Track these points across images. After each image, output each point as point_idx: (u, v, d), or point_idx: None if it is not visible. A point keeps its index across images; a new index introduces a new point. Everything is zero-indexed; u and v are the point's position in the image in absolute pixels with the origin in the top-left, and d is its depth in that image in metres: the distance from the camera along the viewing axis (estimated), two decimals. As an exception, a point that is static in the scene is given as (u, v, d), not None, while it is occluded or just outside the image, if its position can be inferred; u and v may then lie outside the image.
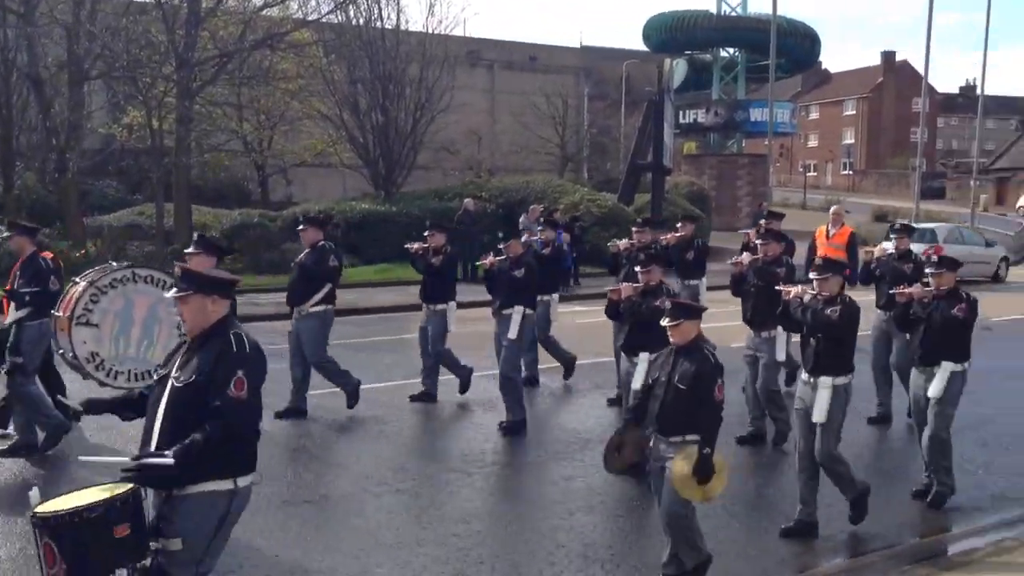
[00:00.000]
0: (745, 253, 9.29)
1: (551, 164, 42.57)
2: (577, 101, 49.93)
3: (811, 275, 6.88)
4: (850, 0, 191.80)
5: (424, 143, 29.32)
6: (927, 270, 7.52)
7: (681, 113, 39.64)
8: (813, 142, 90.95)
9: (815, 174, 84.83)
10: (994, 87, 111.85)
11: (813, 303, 6.60)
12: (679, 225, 12.53)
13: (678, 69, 39.08)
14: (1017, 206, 55.21)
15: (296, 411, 9.57)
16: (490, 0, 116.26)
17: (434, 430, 9.74)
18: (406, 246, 10.92)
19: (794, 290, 6.83)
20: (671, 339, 5.68)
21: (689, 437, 5.46)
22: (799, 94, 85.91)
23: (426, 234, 10.53)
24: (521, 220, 21.30)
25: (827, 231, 13.46)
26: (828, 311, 6.47)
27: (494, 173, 35.65)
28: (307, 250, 9.67)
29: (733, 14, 39.58)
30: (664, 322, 5.69)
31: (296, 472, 7.96)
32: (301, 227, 9.82)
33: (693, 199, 31.94)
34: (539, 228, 11.50)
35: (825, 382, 6.44)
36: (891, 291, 7.84)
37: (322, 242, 9.69)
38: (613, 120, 49.43)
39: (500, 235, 11.13)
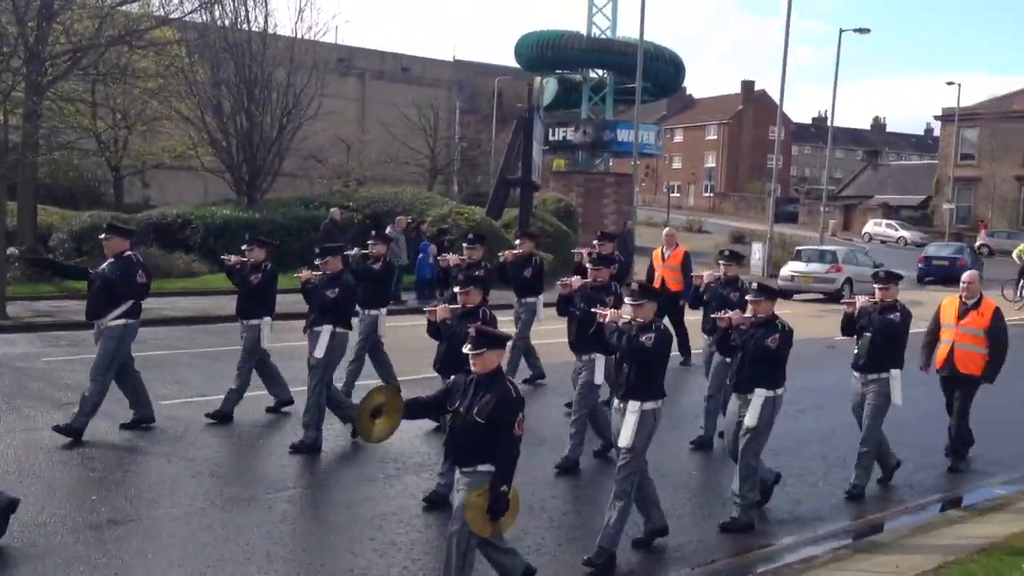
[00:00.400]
0: (576, 276, 9.03)
1: (421, 176, 42.49)
2: (449, 114, 50.08)
3: (627, 301, 6.74)
4: (714, 30, 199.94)
5: (291, 150, 28.74)
6: (748, 297, 7.50)
7: (551, 130, 40.17)
8: (677, 164, 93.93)
9: (679, 195, 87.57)
10: (843, 120, 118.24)
11: (628, 328, 6.49)
12: (517, 242, 12.16)
13: (548, 87, 39.64)
14: (863, 232, 58.47)
15: (73, 432, 8.71)
16: (362, 9, 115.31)
17: (239, 449, 9.08)
18: (222, 258, 10.51)
19: (609, 314, 6.69)
20: (472, 367, 5.30)
21: (482, 468, 5.18)
22: (664, 117, 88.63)
23: (244, 248, 10.03)
24: (388, 231, 21.10)
25: (662, 253, 13.76)
26: (643, 337, 6.39)
27: (362, 183, 35.26)
28: (111, 260, 9.08)
29: (603, 37, 40.42)
30: (466, 349, 5.29)
31: (101, 495, 7.42)
32: (104, 236, 9.23)
33: (561, 215, 32.40)
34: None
35: (633, 407, 6.36)
36: (712, 316, 7.82)
37: (128, 252, 9.19)
38: (484, 134, 49.77)
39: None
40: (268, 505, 7.30)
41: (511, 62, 44.22)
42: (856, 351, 8.29)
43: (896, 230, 57.42)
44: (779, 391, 7.23)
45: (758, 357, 7.10)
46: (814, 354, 15.94)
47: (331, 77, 33.01)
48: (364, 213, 25.76)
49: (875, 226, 58.98)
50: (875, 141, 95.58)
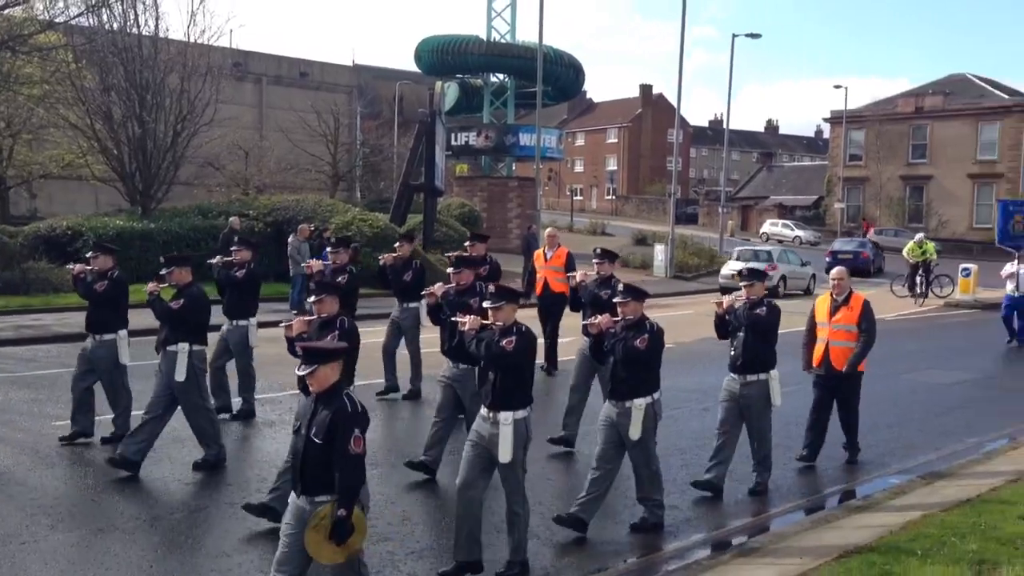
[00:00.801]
0: (439, 284, 8.85)
1: (323, 183, 41.87)
2: (350, 119, 49.55)
3: (486, 304, 6.42)
4: (611, 35, 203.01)
5: (186, 157, 27.92)
6: (615, 299, 7.14)
7: (453, 135, 40.12)
8: (580, 167, 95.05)
9: (581, 198, 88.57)
10: (739, 123, 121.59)
11: (488, 335, 6.16)
12: (396, 244, 11.62)
13: (449, 92, 39.62)
14: (760, 232, 60.15)
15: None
16: (258, 13, 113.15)
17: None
18: (67, 267, 9.93)
19: (468, 321, 6.36)
20: (309, 386, 4.90)
21: (321, 499, 4.78)
22: (566, 121, 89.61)
23: (89, 255, 9.36)
24: (290, 240, 20.72)
25: (544, 254, 13.65)
26: (503, 342, 6.07)
27: (262, 190, 34.50)
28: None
29: (502, 41, 40.58)
30: (299, 371, 4.90)
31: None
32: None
33: (465, 220, 32.38)
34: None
35: (506, 418, 6.03)
36: (584, 322, 7.49)
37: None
38: (386, 140, 49.36)
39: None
40: (169, 526, 7.05)
41: (412, 67, 44.03)
42: (731, 352, 8.21)
43: (792, 230, 59.21)
44: (656, 395, 7.00)
45: (629, 360, 6.83)
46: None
47: (227, 82, 32.20)
48: (265, 221, 25.21)
49: (771, 226, 60.71)
50: (769, 143, 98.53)
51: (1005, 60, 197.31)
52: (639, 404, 6.84)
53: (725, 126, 50.62)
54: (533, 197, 34.39)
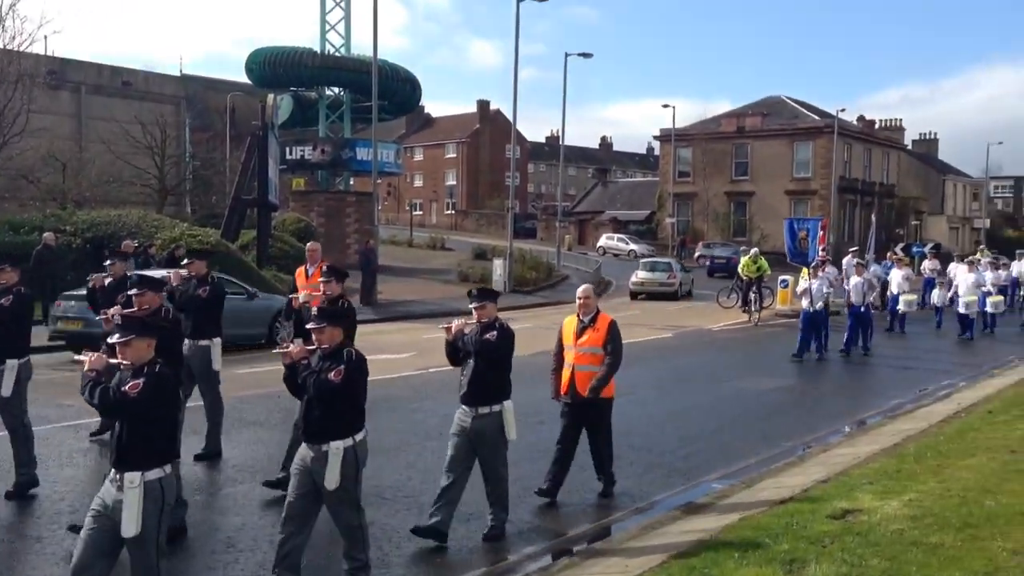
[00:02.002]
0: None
1: (149, 197, 40.00)
2: (178, 131, 47.60)
3: (310, 325, 5.89)
4: (448, 50, 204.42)
5: (-4, 169, 26.15)
6: (308, 326, 6.02)
7: (288, 149, 39.24)
8: (419, 182, 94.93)
9: (421, 213, 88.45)
10: (574, 139, 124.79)
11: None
12: (185, 261, 10.30)
13: (283, 105, 38.75)
14: (597, 246, 61.75)
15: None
16: (76, 19, 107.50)
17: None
18: None
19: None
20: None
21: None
22: (404, 136, 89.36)
23: None
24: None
25: (306, 270, 11.96)
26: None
27: (81, 205, 32.61)
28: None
29: (336, 54, 40.05)
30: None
31: None
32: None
33: (301, 236, 31.66)
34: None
35: (336, 447, 5.67)
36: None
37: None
38: (218, 153, 47.72)
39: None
40: None
41: (245, 78, 42.80)
42: (460, 381, 7.25)
43: (627, 244, 61.11)
44: (358, 437, 5.86)
45: (324, 395, 5.70)
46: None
47: (41, 91, 30.37)
48: (83, 237, 23.85)
49: (607, 240, 62.48)
50: (604, 159, 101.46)
51: (814, 83, 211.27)
52: (335, 447, 5.71)
53: (561, 142, 51.68)
54: (371, 212, 34.03)
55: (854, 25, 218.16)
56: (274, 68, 39.11)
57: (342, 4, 40.06)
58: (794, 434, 11.40)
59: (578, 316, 8.36)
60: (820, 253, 26.15)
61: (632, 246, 60.40)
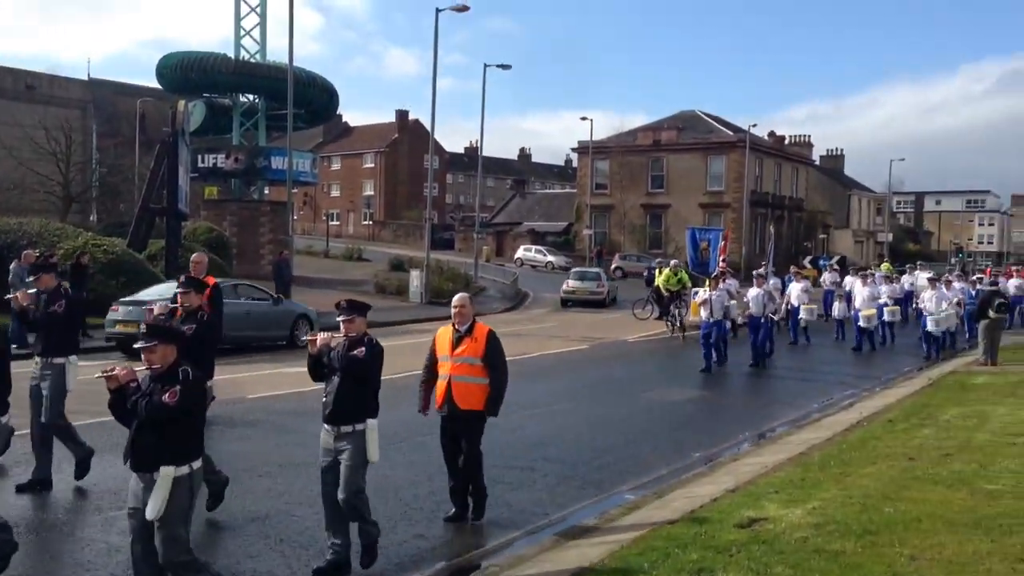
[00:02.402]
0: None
1: (53, 204, 38.73)
2: (84, 137, 46.26)
3: (138, 345, 5.53)
4: (365, 57, 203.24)
5: None
6: (137, 345, 5.58)
7: (200, 157, 38.42)
8: (335, 192, 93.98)
9: (338, 223, 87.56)
10: (493, 150, 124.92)
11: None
12: (31, 278, 9.68)
13: (196, 111, 37.91)
14: (515, 257, 61.95)
15: None
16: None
17: None
18: None
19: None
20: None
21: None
22: (321, 144, 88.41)
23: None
24: (12, 267, 19.00)
25: None
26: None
27: (-20, 212, 31.37)
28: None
29: (252, 60, 39.38)
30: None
31: None
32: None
33: (212, 245, 31.03)
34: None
35: (165, 473, 5.29)
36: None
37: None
38: (127, 160, 46.52)
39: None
40: None
41: (155, 83, 41.78)
42: (323, 400, 6.80)
43: (544, 255, 61.48)
44: (195, 464, 5.48)
45: (157, 420, 5.31)
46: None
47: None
48: (-20, 247, 22.94)
49: (525, 252, 62.78)
50: (522, 171, 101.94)
51: (726, 98, 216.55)
52: (166, 473, 5.32)
53: (479, 153, 51.80)
54: (286, 222, 33.53)
55: (764, 42, 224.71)
56: (186, 73, 38.25)
57: (257, 9, 39.47)
58: (705, 444, 11.58)
59: (453, 326, 8.00)
60: (720, 264, 26.13)
61: (550, 258, 60.79)
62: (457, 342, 7.93)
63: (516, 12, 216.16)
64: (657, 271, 28.11)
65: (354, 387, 6.65)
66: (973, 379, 16.39)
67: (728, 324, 20.42)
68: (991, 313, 18.61)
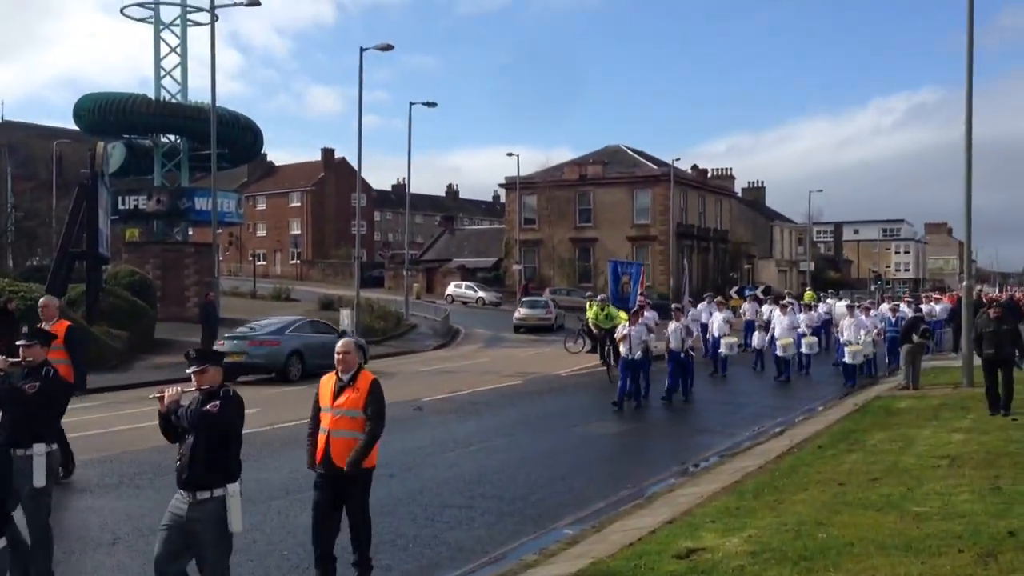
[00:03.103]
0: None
1: (-33, 250, 37.50)
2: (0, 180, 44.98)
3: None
4: (287, 96, 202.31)
5: None
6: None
7: (121, 198, 37.61)
8: (262, 231, 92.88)
9: (265, 263, 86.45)
10: (421, 187, 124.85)
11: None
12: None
13: (115, 153, 37.17)
14: (446, 294, 61.85)
15: None
16: None
17: None
18: None
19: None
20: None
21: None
22: (246, 184, 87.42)
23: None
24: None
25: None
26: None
27: None
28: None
29: (173, 101, 38.81)
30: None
31: None
32: None
33: (135, 289, 30.33)
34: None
35: (233, 489, 5.76)
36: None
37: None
38: (43, 203, 45.35)
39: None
40: None
41: (71, 124, 40.89)
42: (177, 463, 5.94)
43: (475, 291, 61.57)
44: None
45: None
46: (403, 416, 16.32)
47: None
48: None
49: (455, 288, 62.76)
50: (451, 207, 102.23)
51: (647, 132, 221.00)
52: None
53: (407, 190, 51.77)
54: (211, 263, 32.98)
55: (682, 77, 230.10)
56: (105, 115, 37.51)
57: (178, 49, 38.99)
58: (640, 476, 11.64)
59: (336, 374, 7.19)
60: (639, 298, 26.00)
61: (480, 293, 60.88)
62: (339, 392, 7.11)
63: (436, 49, 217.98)
64: (588, 304, 28.11)
65: (210, 447, 5.76)
66: (897, 403, 16.82)
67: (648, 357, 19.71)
68: (915, 338, 19.16)
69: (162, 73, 38.95)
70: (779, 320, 23.24)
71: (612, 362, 22.62)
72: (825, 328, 28.07)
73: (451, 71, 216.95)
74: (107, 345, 24.71)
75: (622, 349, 17.99)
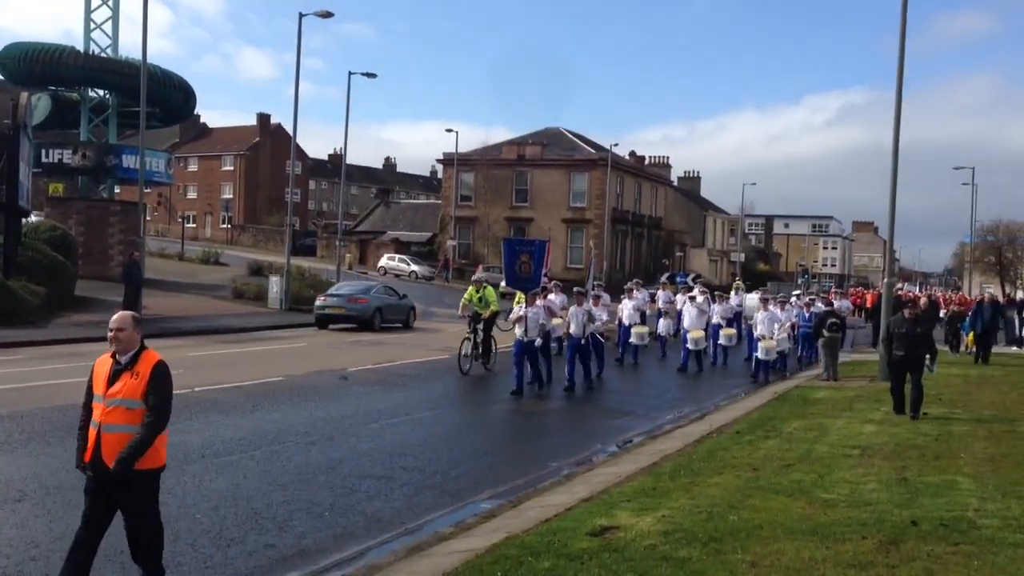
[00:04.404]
0: None
1: None
2: (-85, 126, 43.13)
3: None
4: (216, 57, 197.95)
5: None
6: None
7: (45, 151, 36.44)
8: (192, 194, 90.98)
9: (194, 225, 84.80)
10: (358, 158, 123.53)
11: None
12: None
13: (40, 104, 35.98)
14: (378, 266, 61.40)
15: None
16: None
17: None
18: None
19: None
20: None
21: None
22: (177, 144, 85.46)
23: None
24: None
25: None
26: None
27: None
28: None
29: (102, 55, 37.58)
30: None
31: None
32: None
33: (56, 244, 29.44)
34: None
35: None
36: None
37: None
38: (-38, 152, 43.62)
39: None
40: None
41: (-4, 73, 39.35)
42: None
43: (408, 264, 61.27)
44: None
45: None
46: (328, 385, 16.19)
47: None
48: None
49: (389, 260, 62.36)
50: (387, 180, 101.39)
51: (584, 116, 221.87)
52: None
53: (343, 160, 51.15)
54: (137, 223, 32.15)
55: (622, 60, 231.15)
56: (31, 65, 36.18)
57: (109, 3, 37.75)
58: (562, 455, 11.73)
59: (113, 356, 5.79)
60: (544, 279, 23.94)
61: (414, 267, 60.61)
62: (114, 377, 5.72)
63: (373, 19, 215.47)
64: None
65: None
66: (815, 393, 17.23)
67: (551, 343, 18.71)
68: (825, 332, 19.74)
69: (92, 26, 37.68)
70: (688, 310, 22.20)
71: (479, 352, 19.21)
72: (736, 320, 26.57)
73: (386, 41, 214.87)
74: (24, 300, 23.96)
75: (517, 331, 16.96)
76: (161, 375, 5.75)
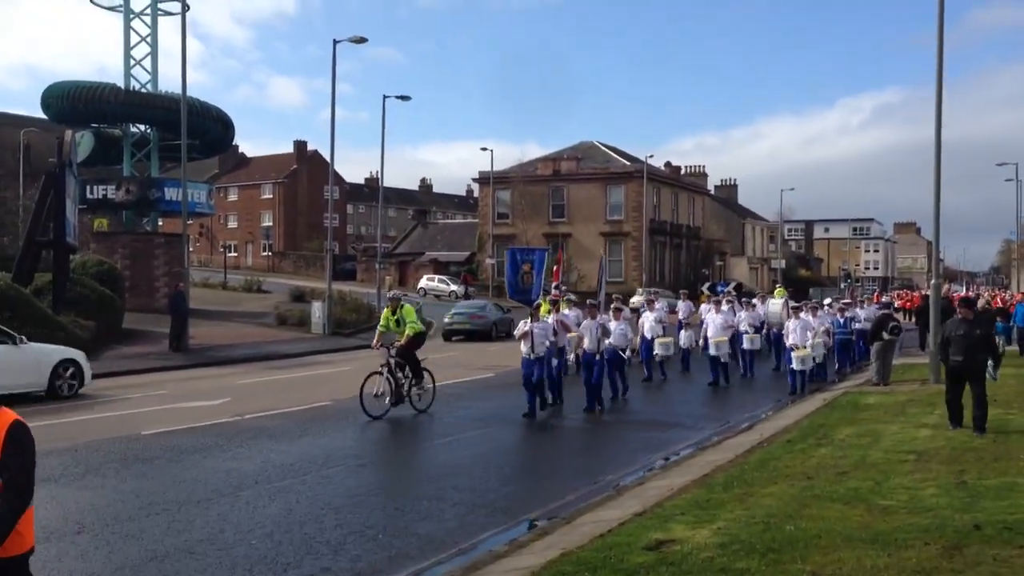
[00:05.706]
0: None
1: (-69, 239, 36.90)
2: (-36, 169, 44.28)
3: None
4: (249, 86, 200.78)
5: None
6: None
7: (89, 188, 37.17)
8: (233, 223, 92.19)
9: (236, 254, 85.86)
10: (394, 180, 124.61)
11: None
12: None
13: (83, 142, 36.74)
14: (418, 287, 61.69)
15: None
16: None
17: None
18: None
19: None
20: None
21: None
22: (217, 175, 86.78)
23: None
24: None
25: None
26: None
27: None
28: None
29: (143, 91, 38.35)
30: None
31: None
32: None
33: (103, 278, 29.98)
34: None
35: None
36: None
37: None
38: (11, 192, 44.78)
39: None
40: None
41: (39, 112, 40.33)
42: None
43: (448, 284, 61.46)
44: None
45: None
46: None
47: None
48: None
49: (428, 281, 62.61)
50: (424, 201, 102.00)
51: (617, 128, 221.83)
52: None
53: (380, 184, 51.56)
54: (181, 254, 32.65)
55: (651, 73, 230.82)
56: (74, 104, 37.02)
57: (148, 39, 38.54)
58: (611, 468, 11.66)
59: None
60: (554, 291, 22.54)
61: (453, 287, 60.79)
62: None
63: (399, 41, 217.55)
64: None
65: None
66: (865, 399, 16.95)
67: (568, 360, 18.17)
68: (884, 335, 19.16)
69: (132, 63, 38.48)
70: (712, 318, 21.00)
71: (406, 390, 15.56)
72: (763, 329, 24.04)
73: (414, 64, 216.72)
74: (74, 334, 24.38)
75: (523, 348, 15.72)
76: (19, 437, 4.18)
